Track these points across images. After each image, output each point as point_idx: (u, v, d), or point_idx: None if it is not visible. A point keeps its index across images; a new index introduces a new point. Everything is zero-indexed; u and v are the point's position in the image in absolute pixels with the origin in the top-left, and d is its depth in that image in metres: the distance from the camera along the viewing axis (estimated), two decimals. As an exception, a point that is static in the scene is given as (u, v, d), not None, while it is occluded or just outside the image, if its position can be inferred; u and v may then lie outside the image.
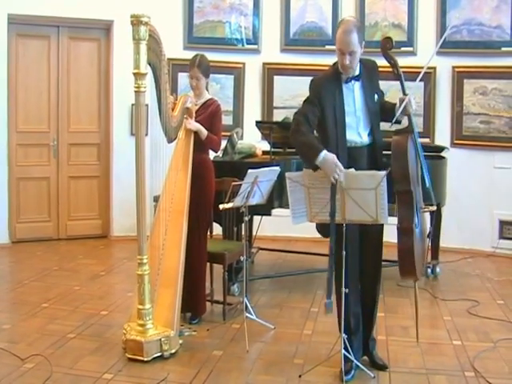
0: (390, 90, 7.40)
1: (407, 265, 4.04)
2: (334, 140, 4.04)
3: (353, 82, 4.10)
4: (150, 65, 4.48)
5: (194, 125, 5.03)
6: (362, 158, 4.12)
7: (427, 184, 4.13)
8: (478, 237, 7.63)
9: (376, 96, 4.18)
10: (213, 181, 5.20)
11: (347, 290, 4.01)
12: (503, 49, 7.46)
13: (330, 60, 8.03)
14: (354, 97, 4.11)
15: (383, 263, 6.51)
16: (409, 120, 4.12)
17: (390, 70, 4.24)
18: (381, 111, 4.21)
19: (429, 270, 6.50)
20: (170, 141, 4.99)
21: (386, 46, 4.19)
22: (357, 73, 4.11)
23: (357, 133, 4.10)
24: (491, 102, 7.55)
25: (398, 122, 4.17)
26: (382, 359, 4.32)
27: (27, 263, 6.90)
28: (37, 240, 7.83)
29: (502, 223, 7.60)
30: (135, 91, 4.28)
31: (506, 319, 5.25)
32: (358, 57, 4.03)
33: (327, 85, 4.11)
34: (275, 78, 8.17)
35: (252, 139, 6.87)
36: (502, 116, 7.51)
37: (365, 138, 4.13)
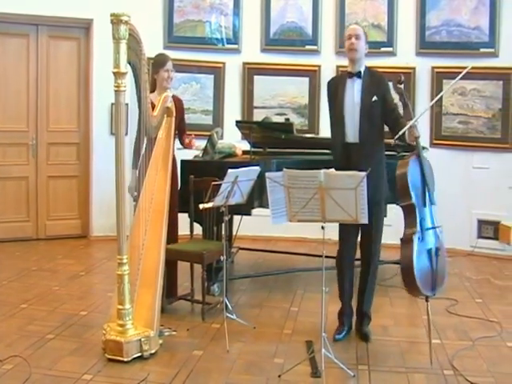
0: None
1: (407, 277, 4.33)
2: (334, 132, 4.75)
3: (354, 78, 4.66)
4: (129, 64, 4.47)
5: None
6: (356, 154, 4.60)
7: (434, 202, 4.46)
8: (457, 236, 7.66)
9: (375, 97, 4.59)
10: (177, 175, 5.43)
11: None
12: (482, 50, 7.53)
13: (310, 60, 8.18)
14: (353, 91, 4.65)
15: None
16: (416, 144, 4.46)
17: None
18: (392, 127, 4.61)
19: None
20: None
21: (397, 79, 4.55)
22: (361, 69, 4.66)
23: (352, 122, 4.62)
24: (470, 103, 7.61)
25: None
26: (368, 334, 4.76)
27: (6, 263, 6.85)
28: (15, 240, 7.77)
29: (481, 222, 7.67)
30: (115, 90, 4.25)
31: (485, 317, 5.30)
32: (362, 46, 4.63)
33: (335, 82, 4.85)
34: (255, 77, 8.17)
35: (232, 139, 6.85)
36: (481, 116, 7.57)
37: (357, 134, 4.61)
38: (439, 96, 5.20)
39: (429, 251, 4.36)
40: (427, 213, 4.42)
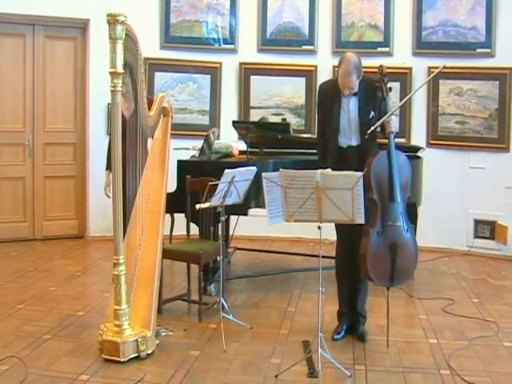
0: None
1: (362, 263, 4.51)
2: (330, 139, 4.76)
3: (350, 96, 4.67)
4: (126, 64, 4.46)
5: None
6: (352, 158, 4.67)
7: (397, 200, 4.49)
8: (454, 236, 7.70)
9: (372, 113, 4.67)
10: None
11: None
12: (478, 50, 7.54)
13: (306, 60, 8.18)
14: (349, 109, 4.68)
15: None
16: (388, 139, 4.54)
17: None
18: (382, 130, 4.67)
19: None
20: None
21: (379, 71, 4.68)
22: (355, 91, 4.66)
23: (348, 138, 4.71)
24: (466, 103, 7.62)
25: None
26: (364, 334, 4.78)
27: (2, 264, 6.83)
28: (12, 240, 7.76)
29: (477, 222, 7.68)
30: (111, 90, 4.25)
31: (481, 317, 5.30)
32: (355, 79, 4.59)
33: (329, 92, 4.77)
34: (252, 77, 8.17)
35: (229, 139, 6.86)
36: (477, 116, 7.58)
37: (354, 142, 4.69)
38: (411, 94, 5.26)
39: (388, 246, 4.44)
40: (391, 209, 4.48)
